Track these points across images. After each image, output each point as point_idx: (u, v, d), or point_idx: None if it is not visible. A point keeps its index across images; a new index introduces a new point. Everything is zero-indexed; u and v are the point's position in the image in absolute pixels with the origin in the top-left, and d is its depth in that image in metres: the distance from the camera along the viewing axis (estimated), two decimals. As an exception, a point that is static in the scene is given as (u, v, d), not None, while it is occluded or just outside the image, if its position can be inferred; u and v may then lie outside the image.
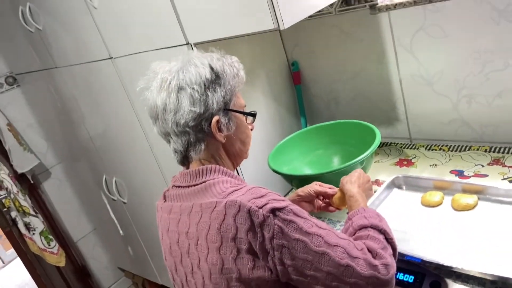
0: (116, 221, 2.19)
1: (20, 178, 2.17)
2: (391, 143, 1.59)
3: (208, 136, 0.89)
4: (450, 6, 1.25)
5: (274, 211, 0.75)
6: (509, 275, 0.87)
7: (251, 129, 1.00)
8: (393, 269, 0.79)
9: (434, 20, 1.30)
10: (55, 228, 2.39)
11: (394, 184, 1.31)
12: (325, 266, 0.74)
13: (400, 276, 1.01)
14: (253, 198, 0.77)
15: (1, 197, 1.72)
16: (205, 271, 0.84)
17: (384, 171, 1.44)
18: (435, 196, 1.20)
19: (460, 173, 1.29)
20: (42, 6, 1.73)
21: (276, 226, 0.74)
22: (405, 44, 1.40)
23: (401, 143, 1.57)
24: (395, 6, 1.35)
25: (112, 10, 1.46)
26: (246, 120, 0.96)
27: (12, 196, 1.77)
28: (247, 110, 0.96)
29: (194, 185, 0.89)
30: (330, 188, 1.17)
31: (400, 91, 1.49)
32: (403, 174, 1.32)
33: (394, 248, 0.85)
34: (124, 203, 2.09)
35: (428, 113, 1.48)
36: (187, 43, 1.31)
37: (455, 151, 1.43)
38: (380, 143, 1.29)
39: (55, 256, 1.93)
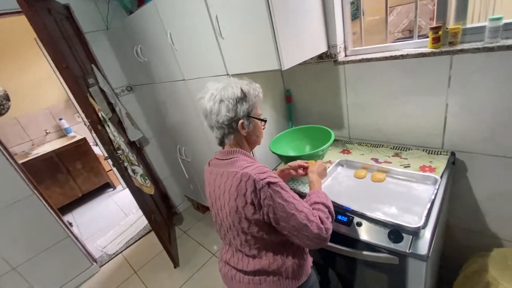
0: (184, 170, 2.22)
1: (132, 144, 2.25)
2: (339, 140, 1.61)
3: (235, 131, 0.87)
4: (377, 64, 1.28)
5: (269, 183, 0.76)
6: (391, 220, 0.94)
7: (263, 129, 0.97)
8: (330, 230, 0.80)
9: (368, 71, 1.32)
10: (150, 172, 2.46)
11: (339, 164, 1.35)
12: (292, 222, 0.77)
13: (339, 217, 1.06)
14: (258, 173, 0.77)
15: (119, 154, 1.74)
16: (227, 210, 0.84)
17: (334, 156, 1.46)
18: (362, 172, 1.24)
19: (376, 160, 1.32)
20: (147, 47, 1.78)
21: (268, 192, 0.75)
22: (352, 84, 1.42)
23: (344, 141, 1.59)
24: (348, 62, 1.38)
25: (186, 51, 1.50)
26: (260, 123, 0.93)
27: (125, 153, 1.79)
28: (262, 117, 0.94)
29: (226, 159, 0.88)
30: (305, 163, 1.15)
31: (346, 111, 1.51)
32: (344, 159, 1.35)
33: (332, 217, 0.86)
34: (188, 161, 2.15)
35: (360, 125, 1.50)
36: (227, 74, 1.36)
37: (374, 147, 1.44)
38: (333, 140, 1.31)
39: (148, 188, 1.94)
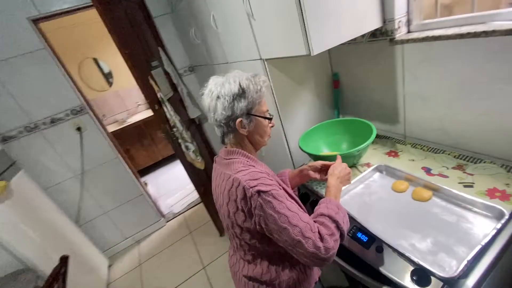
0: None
1: (191, 121, 2.38)
2: (389, 137, 1.32)
3: (235, 130, 0.80)
4: (448, 44, 0.95)
5: (259, 192, 0.68)
6: (415, 259, 0.73)
7: (271, 126, 0.86)
8: (333, 250, 0.68)
9: (435, 52, 1.00)
10: (207, 147, 2.57)
11: (378, 169, 1.11)
12: (285, 236, 0.68)
13: (359, 234, 0.89)
14: (249, 179, 0.70)
15: (174, 131, 1.87)
16: (225, 211, 0.79)
17: (376, 157, 1.21)
18: (402, 185, 0.99)
19: (428, 170, 1.03)
20: (199, 29, 1.78)
21: (258, 202, 0.68)
22: (412, 69, 1.10)
23: (396, 138, 1.29)
24: (407, 41, 1.07)
25: (227, 33, 1.43)
26: (265, 121, 0.83)
27: (179, 131, 1.90)
28: (268, 114, 0.84)
29: (226, 159, 0.82)
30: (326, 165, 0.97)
31: (402, 102, 1.20)
32: (385, 164, 1.10)
33: (342, 234, 0.72)
34: None
35: (420, 121, 1.17)
36: (260, 58, 1.24)
37: (432, 152, 1.12)
38: (382, 135, 1.08)
39: (199, 163, 2.05)
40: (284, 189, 0.77)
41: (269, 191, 0.69)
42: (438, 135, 1.13)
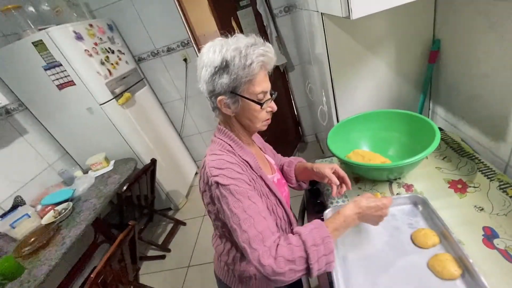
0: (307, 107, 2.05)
1: (275, 68, 2.27)
2: (477, 157, 0.82)
3: (218, 108, 0.68)
4: None
5: (217, 183, 0.61)
6: None
7: (271, 111, 0.70)
8: (282, 277, 0.55)
9: None
10: (288, 97, 2.44)
11: (412, 200, 0.75)
12: (234, 236, 0.61)
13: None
14: (214, 167, 0.63)
15: None
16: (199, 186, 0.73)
17: (429, 180, 0.81)
18: (429, 239, 0.63)
19: (493, 235, 0.61)
20: None
21: (215, 193, 0.63)
22: None
23: (486, 164, 0.78)
24: None
25: None
26: (256, 105, 0.66)
27: None
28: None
29: (214, 135, 0.74)
30: (336, 178, 0.74)
31: None
32: (430, 197, 0.72)
33: (309, 270, 0.56)
34: (311, 99, 1.93)
35: None
36: (317, 10, 0.98)
37: None
38: (466, 152, 0.76)
39: None
40: (264, 186, 0.67)
41: (228, 185, 0.61)
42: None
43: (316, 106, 1.81)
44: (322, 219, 0.76)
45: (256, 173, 0.70)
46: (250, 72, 0.62)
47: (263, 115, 0.70)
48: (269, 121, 0.74)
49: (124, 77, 2.10)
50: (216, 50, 0.63)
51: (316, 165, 0.81)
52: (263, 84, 0.66)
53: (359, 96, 1.11)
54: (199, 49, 2.37)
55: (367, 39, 0.99)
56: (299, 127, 2.72)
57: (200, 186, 0.70)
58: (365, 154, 0.89)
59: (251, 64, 0.61)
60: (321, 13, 0.93)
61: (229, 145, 0.70)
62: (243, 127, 0.73)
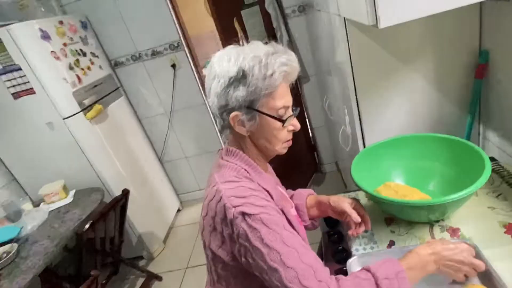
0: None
1: None
2: None
3: (230, 126, 0.72)
4: None
5: (243, 214, 0.63)
6: None
7: (293, 130, 0.76)
8: None
9: None
10: (302, 117, 2.53)
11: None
12: (275, 280, 0.61)
13: None
14: (233, 196, 0.65)
15: None
16: (200, 225, 0.76)
17: (480, 225, 0.82)
18: None
19: None
20: None
21: (241, 229, 0.63)
22: None
23: None
24: None
25: None
26: (276, 122, 0.71)
27: None
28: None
29: (221, 159, 0.77)
30: (357, 214, 0.81)
31: None
32: (475, 245, 0.71)
33: None
34: (331, 118, 2.01)
35: None
36: (338, 14, 1.06)
37: None
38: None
39: None
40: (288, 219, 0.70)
41: (258, 214, 0.63)
42: None
43: (337, 127, 1.87)
44: (345, 271, 0.78)
45: (278, 206, 0.72)
46: (271, 84, 0.67)
47: (283, 135, 0.74)
48: (290, 143, 0.78)
49: (96, 85, 2.20)
50: (231, 58, 0.68)
51: (333, 198, 0.85)
52: (285, 98, 0.71)
53: (391, 115, 1.16)
54: (191, 53, 2.51)
55: (399, 48, 1.07)
56: (315, 153, 2.77)
57: (206, 223, 0.72)
58: (399, 188, 0.92)
59: (272, 74, 0.66)
60: (344, 17, 1.02)
61: (245, 170, 0.73)
62: (258, 149, 0.77)
